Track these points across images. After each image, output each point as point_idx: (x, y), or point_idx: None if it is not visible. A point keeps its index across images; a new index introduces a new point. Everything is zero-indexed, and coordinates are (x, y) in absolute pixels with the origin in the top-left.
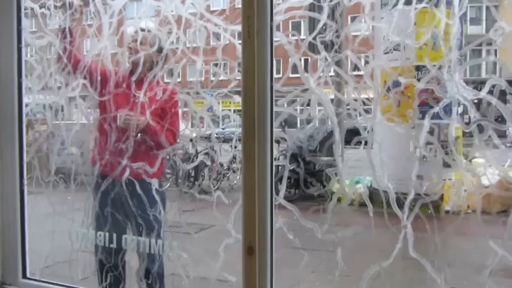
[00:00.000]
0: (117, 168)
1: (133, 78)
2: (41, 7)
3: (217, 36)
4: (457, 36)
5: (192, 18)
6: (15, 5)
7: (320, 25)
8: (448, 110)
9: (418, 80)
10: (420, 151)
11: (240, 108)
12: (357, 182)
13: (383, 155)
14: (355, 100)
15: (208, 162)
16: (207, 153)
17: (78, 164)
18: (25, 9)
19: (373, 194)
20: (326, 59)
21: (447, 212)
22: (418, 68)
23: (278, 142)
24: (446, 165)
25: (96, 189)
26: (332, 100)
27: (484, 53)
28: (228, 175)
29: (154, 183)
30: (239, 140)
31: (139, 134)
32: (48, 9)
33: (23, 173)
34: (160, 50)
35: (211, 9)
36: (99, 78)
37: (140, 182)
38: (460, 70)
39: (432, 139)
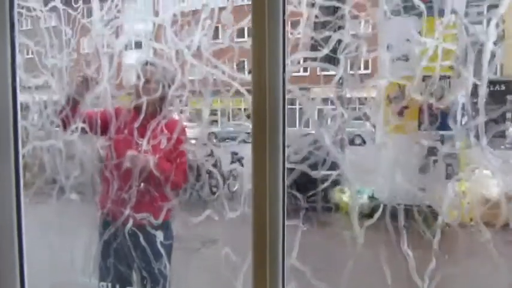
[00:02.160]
0: (120, 217)
1: (136, 124)
2: (36, 44)
3: (225, 84)
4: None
5: (197, 64)
6: (8, 41)
7: (337, 78)
8: (452, 119)
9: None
10: (423, 162)
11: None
12: (358, 192)
13: (386, 165)
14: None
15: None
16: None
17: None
18: (20, 46)
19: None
20: (343, 115)
21: (447, 225)
22: (424, 79)
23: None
24: (449, 176)
25: (99, 238)
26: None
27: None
28: (228, 182)
29: (159, 235)
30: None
31: (142, 184)
32: (44, 47)
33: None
34: (163, 97)
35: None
36: (99, 122)
37: (144, 233)
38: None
39: (436, 151)
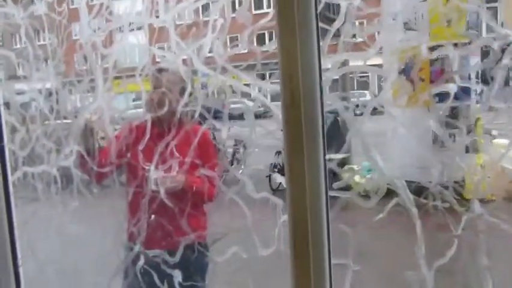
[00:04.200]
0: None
1: (140, 146)
2: (17, 56)
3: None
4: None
5: (211, 73)
6: None
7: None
8: (467, 90)
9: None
10: (439, 136)
11: None
12: (369, 170)
13: (399, 141)
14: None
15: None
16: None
17: None
18: None
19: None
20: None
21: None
22: (433, 48)
23: None
24: (467, 150)
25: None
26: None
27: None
28: (232, 166)
29: (177, 275)
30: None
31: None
32: (27, 60)
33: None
34: (173, 113)
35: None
36: (96, 145)
37: (159, 272)
38: None
39: (451, 123)
